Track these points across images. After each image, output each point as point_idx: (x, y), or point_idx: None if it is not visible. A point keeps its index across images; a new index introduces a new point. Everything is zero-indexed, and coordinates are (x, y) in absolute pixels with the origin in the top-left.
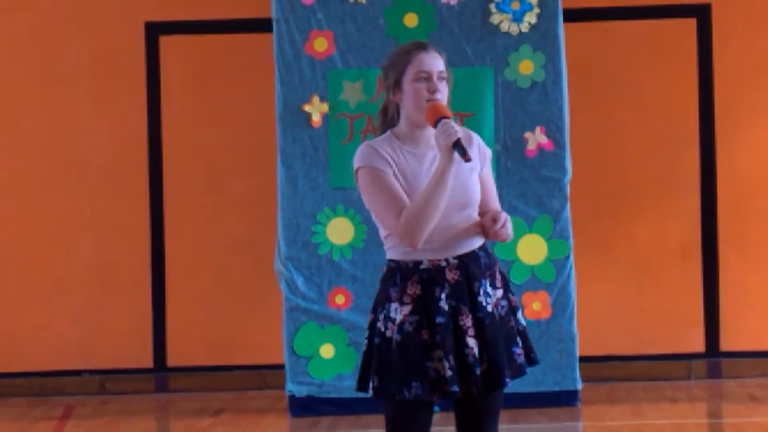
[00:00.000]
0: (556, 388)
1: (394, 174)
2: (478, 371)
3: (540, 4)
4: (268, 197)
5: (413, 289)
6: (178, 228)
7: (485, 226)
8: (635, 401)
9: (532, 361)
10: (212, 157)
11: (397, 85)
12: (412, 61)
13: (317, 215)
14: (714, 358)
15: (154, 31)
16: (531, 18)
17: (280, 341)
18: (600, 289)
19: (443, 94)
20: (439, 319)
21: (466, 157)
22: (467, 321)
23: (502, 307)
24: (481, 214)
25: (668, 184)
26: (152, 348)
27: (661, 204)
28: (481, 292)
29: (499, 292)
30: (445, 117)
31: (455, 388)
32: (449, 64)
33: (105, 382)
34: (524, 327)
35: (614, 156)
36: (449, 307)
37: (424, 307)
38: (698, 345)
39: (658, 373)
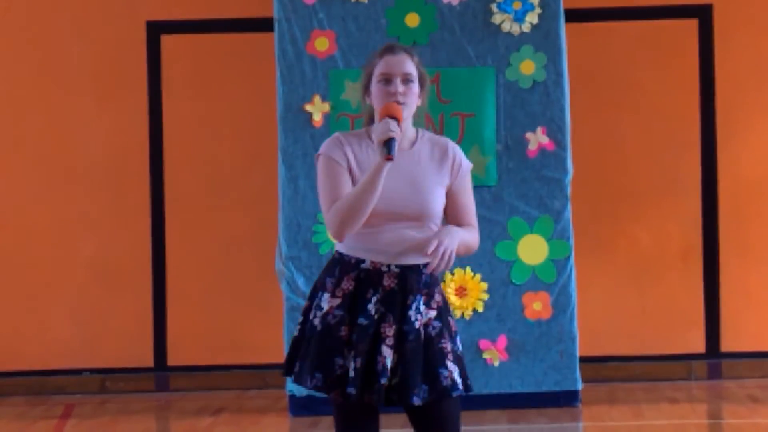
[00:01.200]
0: (557, 389)
1: (350, 168)
2: (383, 381)
3: (541, 5)
4: (268, 197)
5: (347, 285)
6: (179, 227)
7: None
8: (635, 402)
9: (467, 387)
10: (213, 157)
11: (366, 87)
12: (378, 64)
13: (318, 215)
14: (714, 359)
15: (156, 31)
16: (532, 18)
17: (280, 341)
18: (601, 290)
19: (407, 96)
20: (362, 321)
21: (388, 156)
22: (389, 330)
23: (434, 327)
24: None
25: (669, 185)
26: (153, 347)
27: (662, 205)
28: (413, 307)
29: (432, 313)
30: (391, 117)
31: (351, 390)
32: (450, 64)
33: (105, 381)
34: (462, 353)
35: (615, 156)
36: (376, 312)
37: (352, 304)
38: (698, 346)
39: (658, 374)
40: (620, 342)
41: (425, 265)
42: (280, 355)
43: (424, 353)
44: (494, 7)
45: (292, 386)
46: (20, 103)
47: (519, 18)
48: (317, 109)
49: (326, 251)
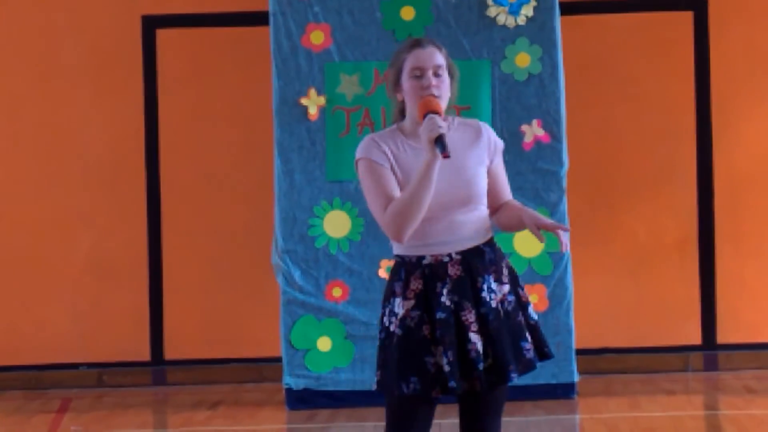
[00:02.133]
0: (553, 381)
1: (392, 167)
2: (481, 366)
3: None
4: (265, 190)
5: (416, 284)
6: (175, 221)
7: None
8: (632, 394)
9: (544, 355)
10: (209, 151)
11: (396, 83)
12: (408, 59)
13: (314, 208)
14: (710, 350)
15: (151, 25)
16: (528, 11)
17: (277, 334)
18: (597, 282)
19: (441, 89)
20: (440, 315)
21: (444, 153)
22: (470, 316)
23: (509, 302)
24: (493, 206)
25: (665, 177)
26: (149, 341)
27: (658, 197)
28: (485, 288)
29: (506, 288)
30: (433, 112)
31: (453, 384)
32: (450, 58)
33: (102, 375)
34: (536, 321)
35: (611, 149)
36: (451, 303)
37: (426, 302)
38: (695, 337)
39: (654, 366)
40: (616, 334)
41: (486, 243)
42: (276, 348)
43: (507, 329)
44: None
45: (289, 380)
46: (16, 98)
47: (514, 11)
48: (313, 103)
49: (322, 244)
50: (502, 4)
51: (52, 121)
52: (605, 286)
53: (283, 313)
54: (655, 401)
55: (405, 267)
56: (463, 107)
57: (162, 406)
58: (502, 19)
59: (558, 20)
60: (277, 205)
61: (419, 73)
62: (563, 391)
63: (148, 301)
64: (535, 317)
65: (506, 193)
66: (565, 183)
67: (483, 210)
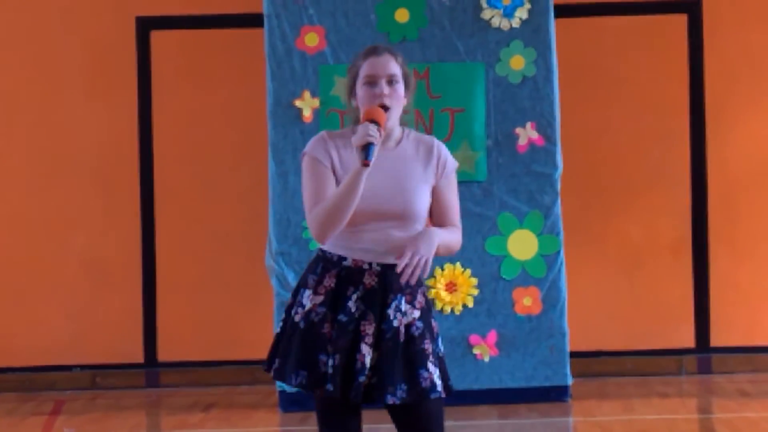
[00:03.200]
0: (547, 384)
1: (333, 168)
2: (361, 378)
3: (531, 0)
4: (259, 192)
5: (329, 282)
6: (169, 223)
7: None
8: (626, 396)
9: (447, 389)
10: (203, 153)
11: (351, 90)
12: (363, 66)
13: None
14: (704, 353)
15: (146, 26)
16: (522, 13)
17: (270, 337)
18: (591, 285)
19: (393, 98)
20: (342, 318)
21: (364, 161)
22: (368, 329)
23: (417, 327)
24: (438, 227)
25: (659, 180)
26: (143, 343)
27: (652, 199)
28: (393, 306)
29: (416, 313)
30: (374, 122)
31: (330, 387)
32: (440, 59)
33: (96, 377)
34: (443, 355)
35: (605, 151)
36: (357, 310)
37: (334, 301)
38: (688, 340)
39: (648, 369)
40: (610, 337)
41: (401, 272)
42: None
43: (404, 353)
44: (484, 2)
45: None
46: (10, 99)
47: (508, 13)
48: (307, 105)
49: (316, 246)
50: (496, 7)
51: (47, 122)
52: (599, 288)
53: (276, 315)
54: (649, 404)
55: (323, 263)
56: (458, 110)
57: (155, 408)
58: (496, 22)
59: (552, 23)
60: (271, 207)
61: (372, 81)
62: (557, 394)
63: (141, 302)
64: (443, 351)
65: (449, 217)
66: (559, 185)
67: (420, 228)
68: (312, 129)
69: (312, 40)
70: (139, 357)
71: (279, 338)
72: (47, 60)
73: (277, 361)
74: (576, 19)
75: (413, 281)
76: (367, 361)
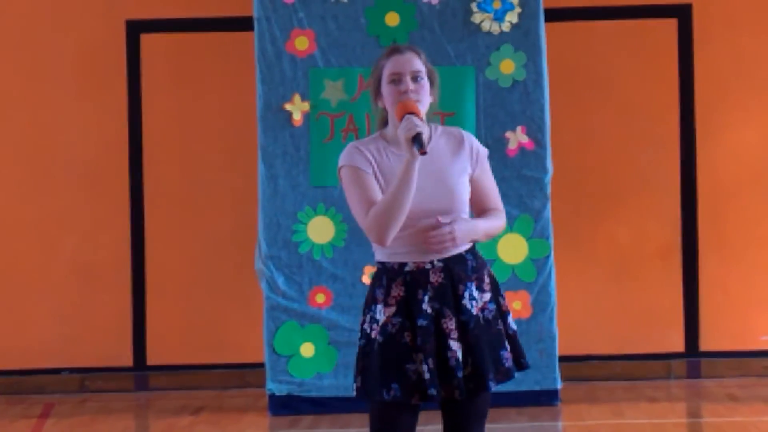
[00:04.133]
0: (536, 388)
1: (374, 173)
2: (460, 374)
3: (521, 4)
4: (248, 196)
5: (397, 291)
6: (159, 226)
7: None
8: (615, 401)
9: (521, 365)
10: (193, 156)
11: (377, 91)
12: (386, 65)
13: (298, 214)
14: (693, 357)
15: (136, 29)
16: (512, 17)
17: (260, 340)
18: (580, 289)
19: (420, 94)
20: (421, 322)
21: (421, 150)
22: (450, 324)
23: (490, 310)
24: (479, 215)
25: (649, 184)
26: (132, 346)
27: (642, 204)
28: (466, 296)
29: (487, 296)
30: (410, 113)
31: (433, 391)
32: (430, 63)
33: (85, 381)
34: (515, 331)
35: (595, 156)
36: (432, 310)
37: (407, 309)
38: (678, 345)
39: (637, 373)
40: (599, 341)
41: (468, 251)
42: (259, 354)
43: (486, 338)
44: (474, 6)
45: (272, 385)
46: (0, 102)
47: (499, 17)
48: (297, 108)
49: (306, 250)
50: (486, 11)
51: (36, 124)
52: (588, 292)
53: (266, 318)
54: (638, 408)
55: (387, 274)
56: (448, 113)
57: (144, 411)
58: (486, 26)
59: (542, 27)
60: (261, 210)
61: (397, 78)
62: (546, 398)
63: (131, 305)
64: (515, 327)
65: (491, 201)
66: (549, 190)
67: (466, 217)
68: (302, 132)
69: (302, 43)
70: (128, 360)
71: (357, 358)
72: (37, 63)
73: (359, 379)
74: (566, 24)
75: (433, 249)
76: (460, 355)
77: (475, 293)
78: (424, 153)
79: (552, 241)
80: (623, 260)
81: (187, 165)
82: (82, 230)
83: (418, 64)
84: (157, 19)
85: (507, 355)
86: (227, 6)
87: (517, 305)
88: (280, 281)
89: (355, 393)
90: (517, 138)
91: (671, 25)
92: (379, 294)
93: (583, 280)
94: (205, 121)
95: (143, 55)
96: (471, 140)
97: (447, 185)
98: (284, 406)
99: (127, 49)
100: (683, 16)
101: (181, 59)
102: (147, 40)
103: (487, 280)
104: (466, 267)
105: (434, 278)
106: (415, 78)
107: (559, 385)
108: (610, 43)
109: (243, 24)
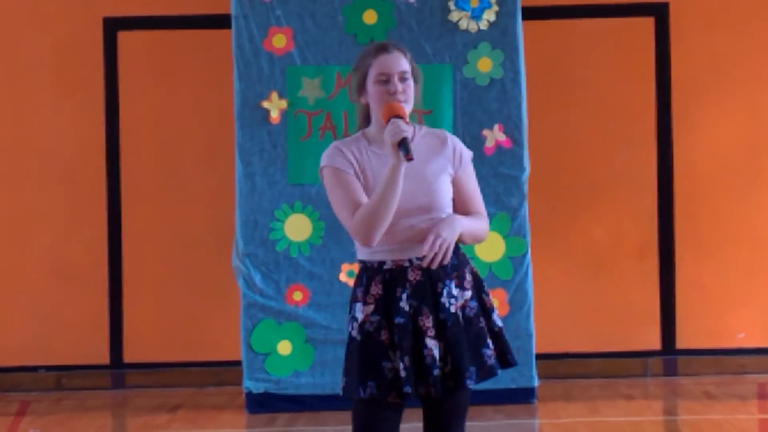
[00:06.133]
0: (513, 385)
1: (356, 174)
2: (436, 372)
3: (499, 2)
4: (226, 193)
5: (376, 289)
6: (136, 224)
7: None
8: (591, 398)
9: (507, 362)
10: (170, 153)
11: (361, 87)
12: (373, 64)
13: (275, 212)
14: (670, 355)
15: (113, 27)
16: (490, 15)
17: (237, 338)
18: (557, 287)
19: (407, 94)
20: (398, 320)
21: (408, 156)
22: (427, 322)
23: (471, 308)
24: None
25: (625, 183)
26: (109, 344)
27: (618, 202)
28: (445, 293)
29: (468, 293)
30: (397, 116)
31: (408, 389)
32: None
33: (61, 378)
34: (500, 328)
35: (572, 154)
36: (410, 308)
37: (385, 307)
38: (654, 342)
39: (614, 371)
40: (576, 339)
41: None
42: (237, 352)
43: (466, 335)
44: (452, 4)
45: (249, 383)
46: None
47: (476, 15)
48: (274, 106)
49: (283, 248)
50: (464, 9)
51: (13, 122)
52: (565, 290)
53: (243, 316)
54: (615, 406)
55: (367, 272)
56: (425, 111)
57: (121, 409)
58: (464, 24)
59: (520, 25)
60: (238, 208)
61: (385, 79)
62: (523, 396)
63: (107, 303)
64: (500, 324)
65: (474, 204)
66: (526, 188)
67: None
68: (279, 130)
69: (279, 41)
70: (105, 358)
71: (344, 358)
72: (13, 60)
73: (343, 379)
74: (544, 22)
75: (434, 265)
76: (436, 353)
77: (455, 291)
78: (410, 159)
79: (529, 239)
80: (600, 258)
81: (164, 162)
82: (58, 227)
83: (405, 64)
84: (134, 17)
85: (490, 352)
86: (205, 4)
87: (494, 303)
88: (257, 279)
89: (341, 392)
90: (495, 136)
91: (648, 23)
92: (359, 293)
93: (560, 278)
94: (183, 119)
95: (120, 52)
96: (455, 142)
97: (427, 185)
98: (261, 404)
99: (105, 47)
100: (660, 15)
101: (158, 57)
102: (124, 37)
103: (468, 277)
104: (446, 265)
105: (412, 276)
106: (402, 78)
107: (536, 383)
108: (587, 42)
109: (220, 22)
